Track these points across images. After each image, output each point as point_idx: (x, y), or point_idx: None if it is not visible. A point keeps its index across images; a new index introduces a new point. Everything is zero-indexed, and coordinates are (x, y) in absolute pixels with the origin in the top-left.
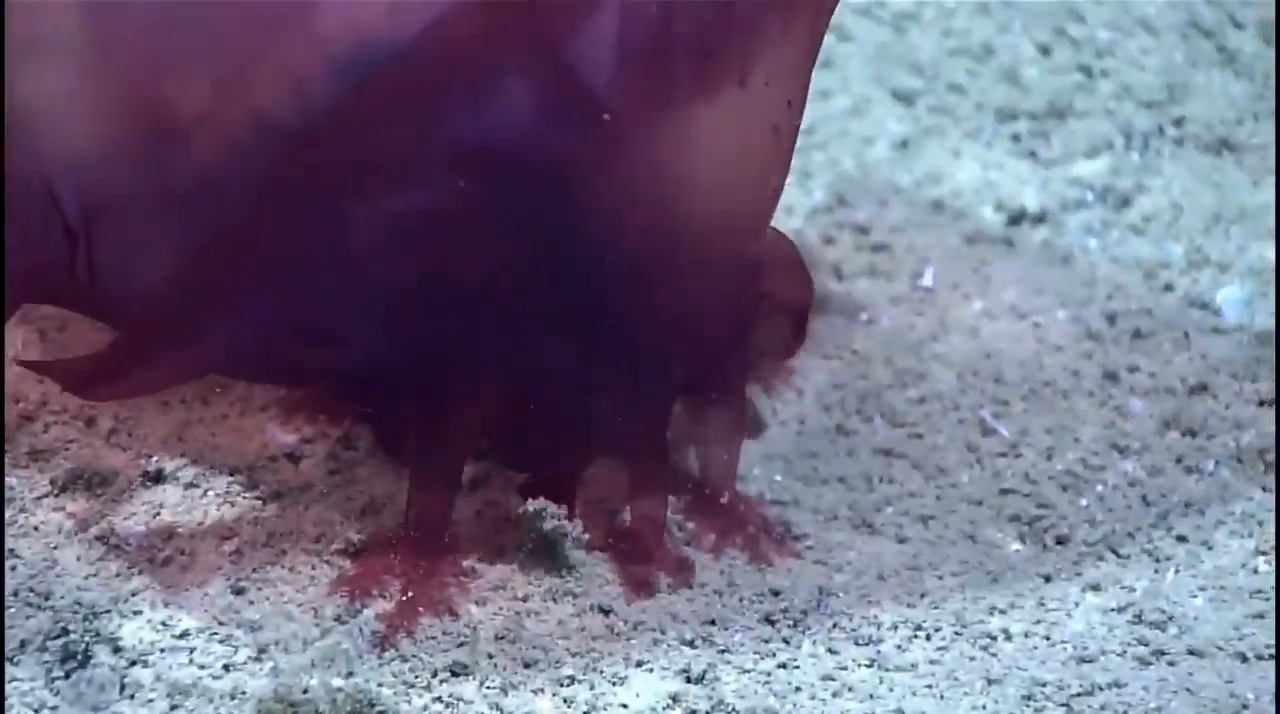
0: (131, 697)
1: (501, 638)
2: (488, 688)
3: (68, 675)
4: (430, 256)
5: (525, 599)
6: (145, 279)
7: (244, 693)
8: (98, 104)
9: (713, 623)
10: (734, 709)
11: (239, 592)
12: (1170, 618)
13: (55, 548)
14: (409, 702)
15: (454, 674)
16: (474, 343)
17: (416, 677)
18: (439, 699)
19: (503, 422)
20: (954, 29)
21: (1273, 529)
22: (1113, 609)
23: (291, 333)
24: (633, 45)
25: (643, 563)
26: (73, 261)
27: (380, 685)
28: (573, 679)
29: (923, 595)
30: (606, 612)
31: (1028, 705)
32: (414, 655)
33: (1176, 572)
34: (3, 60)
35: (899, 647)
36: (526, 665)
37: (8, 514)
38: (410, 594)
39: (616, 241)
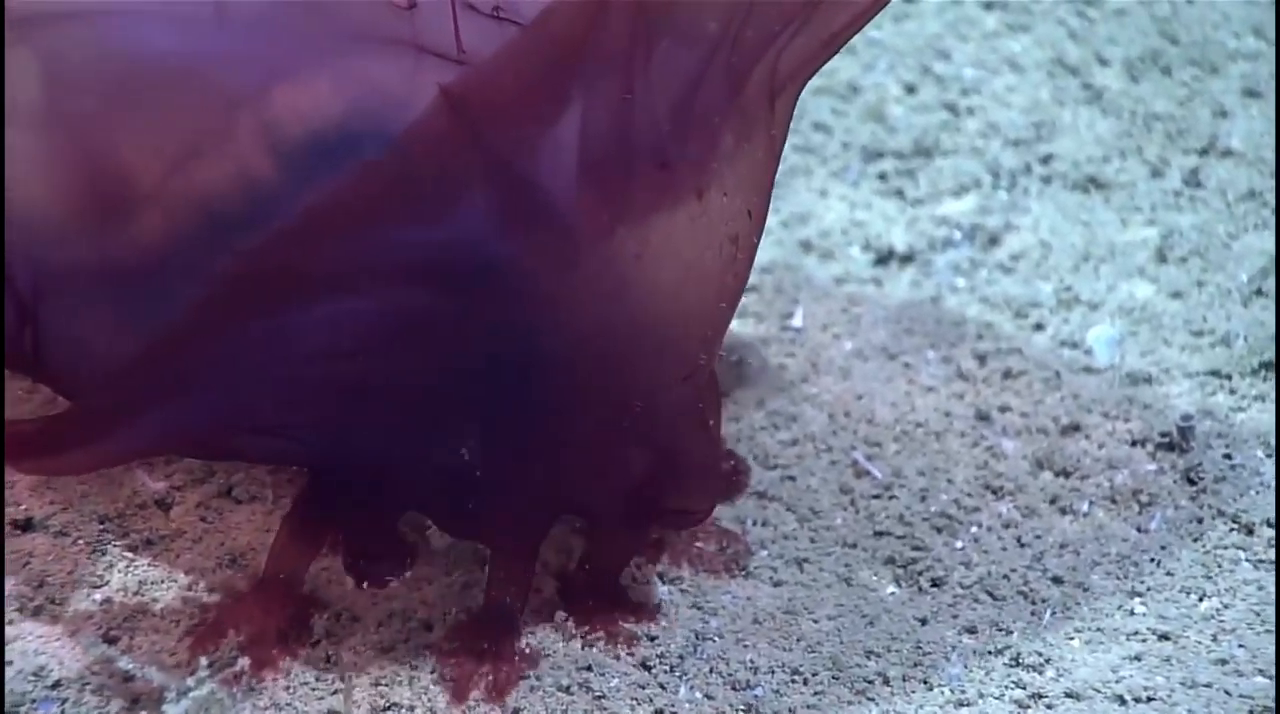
0: None
1: (377, 685)
2: None
3: None
4: (376, 359)
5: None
6: (90, 355)
7: None
8: (52, 174)
9: (589, 668)
10: None
11: (111, 641)
12: (1047, 660)
13: None
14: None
15: None
16: (415, 443)
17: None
18: None
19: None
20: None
21: (1149, 570)
22: (990, 652)
23: (235, 424)
24: (591, 157)
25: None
26: (20, 331)
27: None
28: None
29: (799, 640)
30: None
31: None
32: (288, 704)
33: (1053, 614)
34: (2, 72)
35: (776, 691)
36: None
37: None
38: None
39: (568, 349)
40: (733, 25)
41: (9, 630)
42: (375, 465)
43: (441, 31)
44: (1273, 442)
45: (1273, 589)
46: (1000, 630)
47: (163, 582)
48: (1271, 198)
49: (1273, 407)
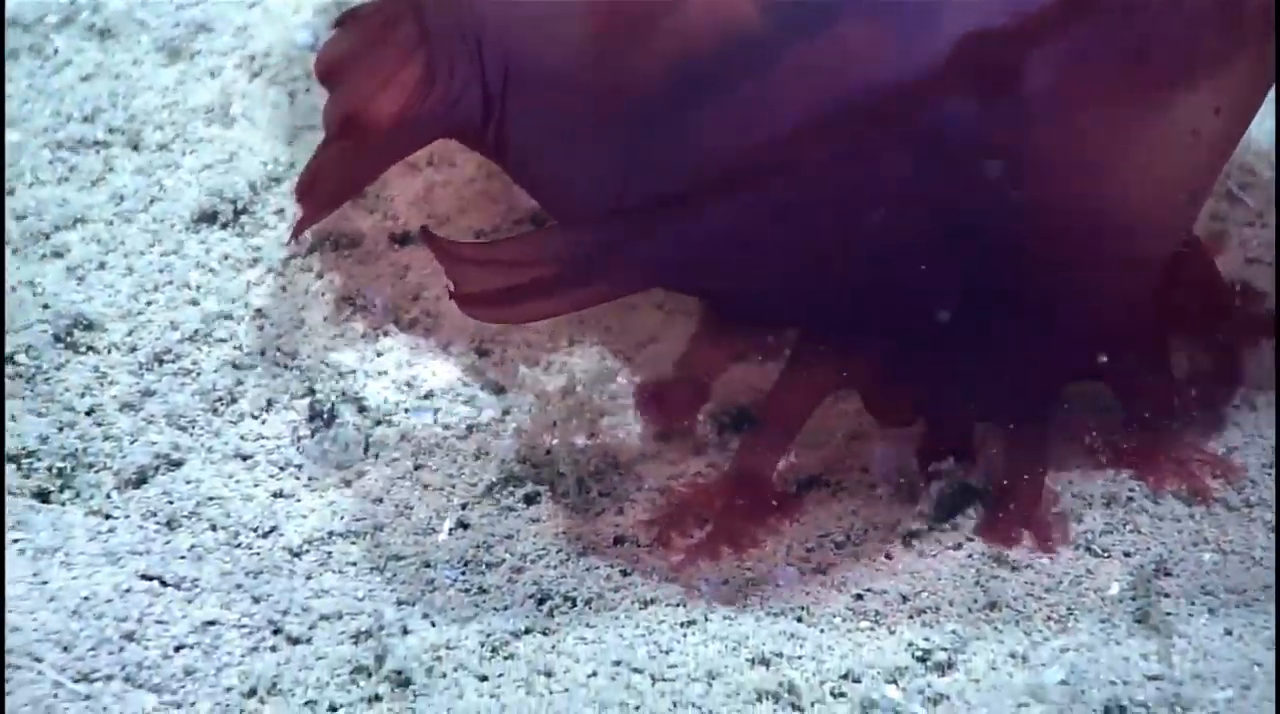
0: (376, 456)
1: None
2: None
3: (313, 434)
4: (846, 222)
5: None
6: (560, 167)
7: (487, 453)
8: None
9: None
10: None
11: (483, 353)
12: None
13: (303, 308)
14: (652, 461)
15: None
16: (877, 305)
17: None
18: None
19: (891, 382)
20: None
21: None
22: None
23: (708, 268)
24: (1070, 38)
25: (1017, 524)
26: (486, 119)
27: (622, 443)
28: None
29: None
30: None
31: None
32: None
33: None
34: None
35: None
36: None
37: (255, 274)
38: (715, 530)
39: (1030, 225)
40: None
41: (383, 341)
42: (827, 323)
43: None
44: None
45: None
46: None
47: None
48: None
49: None
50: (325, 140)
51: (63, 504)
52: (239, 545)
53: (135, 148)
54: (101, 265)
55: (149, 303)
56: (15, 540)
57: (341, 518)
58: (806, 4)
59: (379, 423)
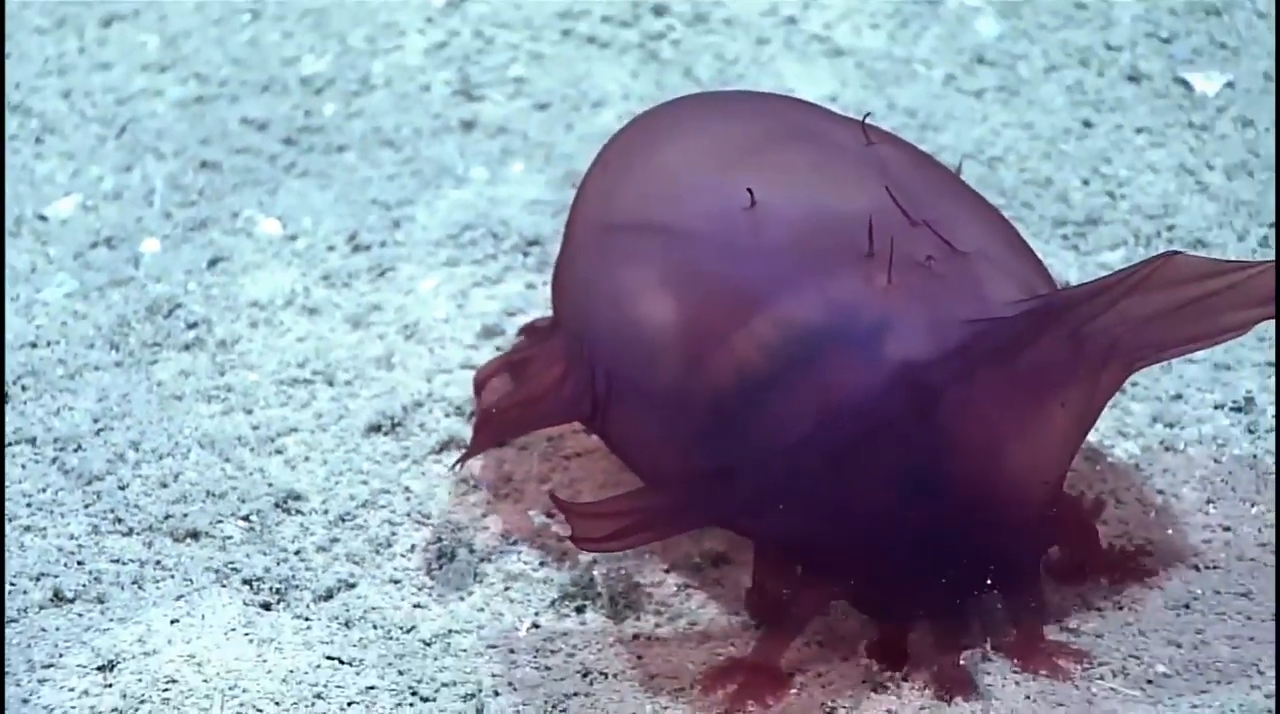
0: (480, 581)
1: None
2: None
3: (440, 567)
4: (848, 468)
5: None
6: (638, 444)
7: (552, 580)
8: (668, 320)
9: None
10: None
11: (551, 515)
12: None
13: (435, 487)
14: (665, 581)
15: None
16: (853, 531)
17: (670, 566)
18: (688, 585)
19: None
20: None
21: None
22: None
23: (743, 511)
24: (986, 356)
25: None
26: (593, 415)
27: (640, 569)
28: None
29: None
30: None
31: None
32: (674, 545)
33: None
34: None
35: None
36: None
37: (404, 465)
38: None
39: (950, 486)
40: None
41: (486, 507)
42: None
43: (904, 277)
44: None
45: None
46: None
47: (585, 479)
48: None
49: None
50: (479, 407)
51: (277, 612)
52: (390, 638)
53: (330, 384)
54: (306, 458)
55: (336, 483)
56: (246, 634)
57: (457, 620)
58: (789, 347)
59: (483, 560)
